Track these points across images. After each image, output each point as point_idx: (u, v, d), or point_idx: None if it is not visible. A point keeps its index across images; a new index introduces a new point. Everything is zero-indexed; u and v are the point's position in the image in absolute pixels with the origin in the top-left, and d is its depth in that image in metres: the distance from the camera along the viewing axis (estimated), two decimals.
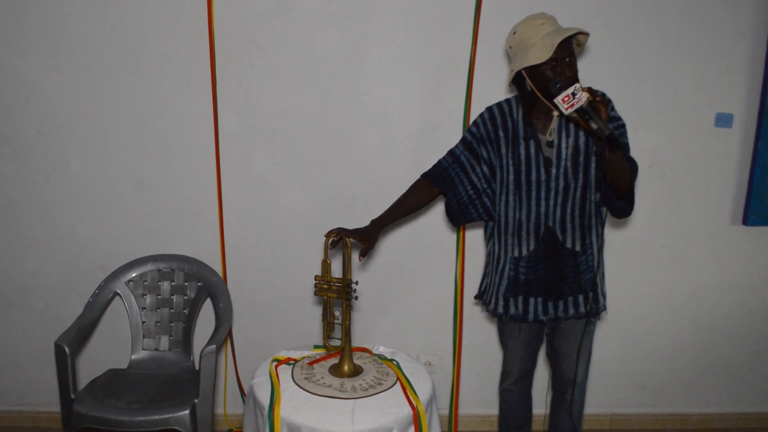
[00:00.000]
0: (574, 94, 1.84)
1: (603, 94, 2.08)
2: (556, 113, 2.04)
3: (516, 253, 2.22)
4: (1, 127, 2.81)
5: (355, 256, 2.65)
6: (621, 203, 2.10)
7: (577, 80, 1.94)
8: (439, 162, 2.33)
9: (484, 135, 2.23)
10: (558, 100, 1.86)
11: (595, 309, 2.23)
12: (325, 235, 2.14)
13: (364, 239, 2.18)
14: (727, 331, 3.11)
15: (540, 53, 1.95)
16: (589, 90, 1.86)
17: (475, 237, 2.91)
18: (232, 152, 2.84)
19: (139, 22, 2.72)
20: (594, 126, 1.86)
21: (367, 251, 2.18)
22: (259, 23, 2.74)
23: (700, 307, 3.07)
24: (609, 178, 2.02)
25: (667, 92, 2.84)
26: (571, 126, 2.09)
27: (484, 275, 2.39)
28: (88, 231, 2.90)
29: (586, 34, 2.03)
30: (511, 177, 2.17)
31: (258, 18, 2.74)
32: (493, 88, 2.75)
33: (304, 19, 2.74)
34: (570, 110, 1.86)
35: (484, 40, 2.73)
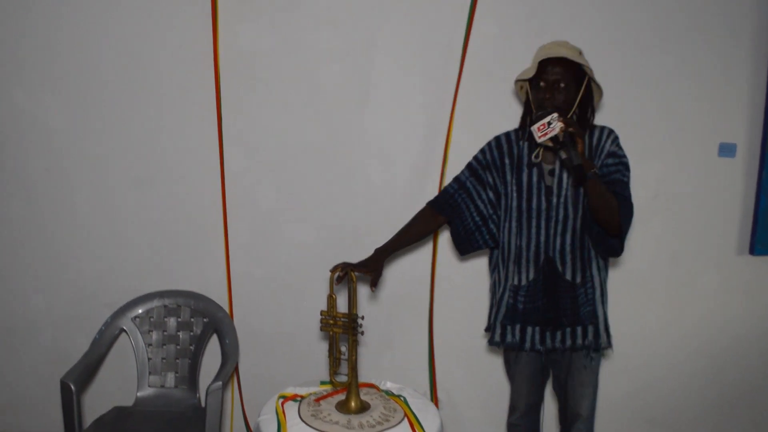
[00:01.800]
0: (549, 123, 1.88)
1: (610, 131, 2.11)
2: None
3: (516, 282, 2.22)
4: (9, 164, 2.84)
5: (360, 290, 2.65)
6: (614, 242, 2.09)
7: (557, 110, 1.95)
8: (445, 189, 2.36)
9: (489, 161, 2.26)
10: (533, 128, 1.91)
11: (595, 344, 2.20)
12: (330, 270, 2.14)
13: (370, 270, 2.19)
14: (736, 361, 3.07)
15: (530, 69, 2.06)
16: (565, 121, 1.89)
17: (471, 269, 2.90)
18: (238, 187, 2.86)
19: (146, 60, 2.77)
20: (563, 155, 1.88)
21: (376, 281, 2.19)
22: (264, 59, 2.78)
23: (708, 337, 3.04)
24: (592, 210, 2.03)
25: (670, 123, 2.85)
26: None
27: (491, 306, 2.39)
28: (95, 267, 2.91)
29: (578, 63, 2.05)
30: (514, 204, 2.19)
31: (263, 54, 2.78)
32: (482, 118, 2.76)
33: (308, 56, 2.78)
34: (543, 139, 1.90)
35: (467, 79, 2.77)
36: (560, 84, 2.03)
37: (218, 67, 2.75)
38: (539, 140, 1.91)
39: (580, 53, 2.11)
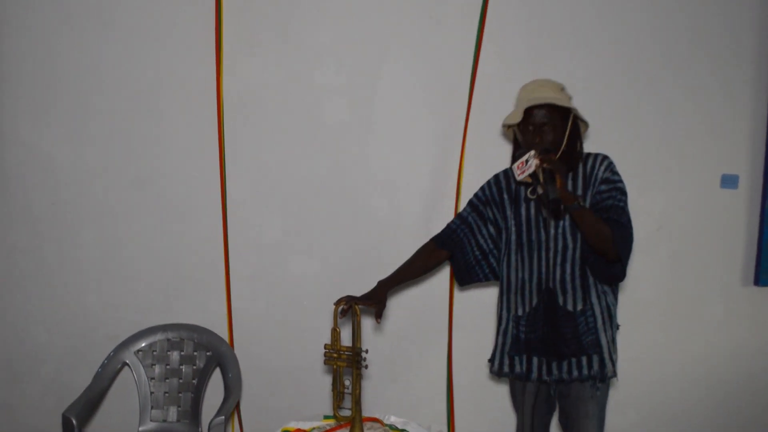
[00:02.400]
0: (527, 161, 1.94)
1: (605, 157, 2.16)
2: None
3: (520, 312, 2.23)
4: (15, 198, 2.86)
5: (364, 323, 2.64)
6: (614, 268, 2.10)
7: (535, 148, 2.00)
8: (448, 225, 2.40)
9: (489, 197, 2.31)
10: (513, 167, 1.99)
11: (600, 374, 2.18)
12: (334, 304, 2.14)
13: (374, 303, 2.20)
14: (742, 392, 3.03)
15: (515, 115, 2.09)
16: (541, 158, 1.94)
17: (477, 299, 2.89)
18: (241, 220, 2.87)
19: (150, 93, 2.81)
20: (539, 191, 1.94)
21: (380, 313, 2.20)
22: (269, 93, 2.81)
23: (713, 368, 3.01)
24: (587, 240, 2.06)
25: (672, 154, 2.86)
26: (570, 188, 2.13)
27: (495, 336, 2.38)
28: (98, 301, 2.91)
29: (562, 107, 2.08)
30: (513, 237, 2.23)
31: (267, 88, 2.81)
32: (491, 154, 2.77)
33: (313, 89, 2.81)
34: (521, 176, 1.97)
35: (478, 108, 2.80)
36: (546, 126, 2.07)
37: (221, 99, 2.78)
38: (518, 178, 1.98)
39: (562, 89, 2.15)
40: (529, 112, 2.08)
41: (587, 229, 2.02)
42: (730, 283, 2.95)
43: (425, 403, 2.97)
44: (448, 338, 2.93)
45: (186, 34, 2.79)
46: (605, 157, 2.17)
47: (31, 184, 2.86)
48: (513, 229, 2.23)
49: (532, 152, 1.95)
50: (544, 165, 1.94)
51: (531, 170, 1.94)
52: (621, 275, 2.13)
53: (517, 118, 2.08)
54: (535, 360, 2.21)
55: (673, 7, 2.81)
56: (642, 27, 2.80)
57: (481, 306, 2.87)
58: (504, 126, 2.22)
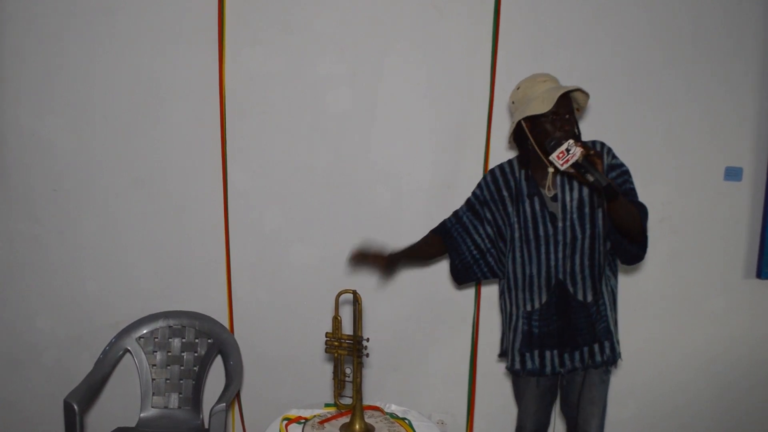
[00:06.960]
0: (568, 150, 1.89)
1: (603, 144, 2.16)
2: (551, 169, 2.09)
3: (528, 307, 2.23)
4: (17, 184, 2.86)
5: (366, 312, 2.64)
6: (634, 248, 2.11)
7: (571, 137, 1.98)
8: (444, 222, 2.41)
9: (487, 197, 2.30)
10: (553, 157, 1.92)
11: (611, 358, 2.22)
12: (350, 256, 2.19)
13: (382, 260, 2.30)
14: (742, 385, 3.03)
15: (541, 105, 2.03)
16: (583, 144, 1.90)
17: (492, 293, 2.89)
18: (242, 209, 2.87)
19: (151, 83, 2.80)
20: (590, 179, 1.89)
21: (380, 263, 2.30)
22: (271, 83, 2.80)
23: (715, 361, 3.01)
24: (618, 225, 2.05)
25: (676, 146, 2.85)
26: (574, 180, 2.12)
27: (503, 333, 2.40)
28: (99, 288, 2.92)
29: (586, 94, 2.11)
30: (517, 234, 2.22)
31: (269, 77, 2.80)
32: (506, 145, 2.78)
33: (315, 79, 2.80)
34: (565, 166, 1.90)
35: (499, 100, 2.79)
36: (567, 114, 2.07)
37: (223, 87, 2.78)
38: (562, 168, 1.91)
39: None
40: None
41: (623, 213, 2.00)
42: (733, 276, 2.95)
43: (426, 392, 2.98)
44: (474, 327, 2.93)
45: (188, 23, 2.78)
46: (603, 144, 2.18)
47: (33, 171, 2.86)
48: (516, 225, 2.22)
49: (571, 141, 1.89)
50: (591, 152, 1.90)
51: (575, 158, 1.88)
52: (642, 253, 2.15)
53: (548, 106, 2.02)
54: (547, 354, 2.23)
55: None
56: (645, 19, 2.78)
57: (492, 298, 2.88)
58: (524, 121, 2.12)
